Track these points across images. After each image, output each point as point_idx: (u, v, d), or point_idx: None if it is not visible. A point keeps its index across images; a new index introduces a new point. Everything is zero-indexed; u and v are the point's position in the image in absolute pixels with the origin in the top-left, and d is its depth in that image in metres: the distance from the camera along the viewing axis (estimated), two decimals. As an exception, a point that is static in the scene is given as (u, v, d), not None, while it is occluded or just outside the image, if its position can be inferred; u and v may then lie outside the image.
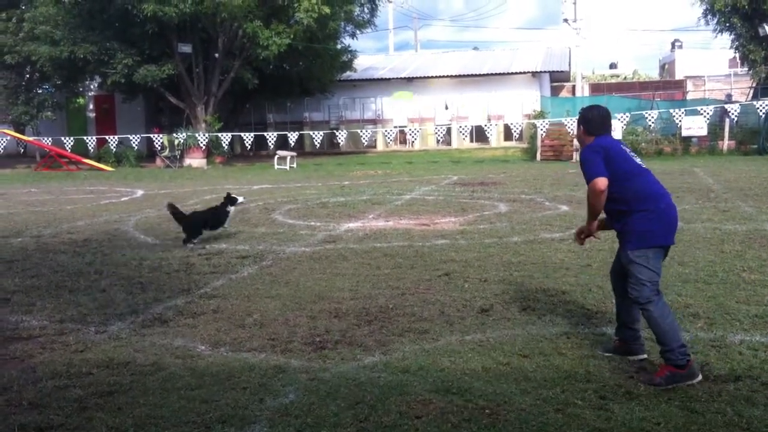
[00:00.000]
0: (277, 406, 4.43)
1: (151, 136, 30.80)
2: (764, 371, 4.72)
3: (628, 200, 4.80)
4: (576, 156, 27.69)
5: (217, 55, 30.78)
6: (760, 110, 26.84)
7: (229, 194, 10.86)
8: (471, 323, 6.07)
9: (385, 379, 4.81)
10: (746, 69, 29.66)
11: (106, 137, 31.46)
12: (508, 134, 33.41)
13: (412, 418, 4.17)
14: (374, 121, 38.51)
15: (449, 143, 36.46)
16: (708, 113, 27.46)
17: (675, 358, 4.56)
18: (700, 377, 4.56)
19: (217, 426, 4.18)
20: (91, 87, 37.27)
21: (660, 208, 4.78)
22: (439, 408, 4.30)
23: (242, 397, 4.60)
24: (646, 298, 4.71)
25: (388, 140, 33.72)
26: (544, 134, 28.72)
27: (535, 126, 29.01)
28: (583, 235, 5.39)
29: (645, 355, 5.08)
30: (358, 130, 32.42)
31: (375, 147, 37.29)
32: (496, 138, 34.77)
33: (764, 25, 26.64)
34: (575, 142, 28.03)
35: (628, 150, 5.03)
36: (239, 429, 4.13)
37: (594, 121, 5.11)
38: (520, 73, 37.20)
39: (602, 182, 4.77)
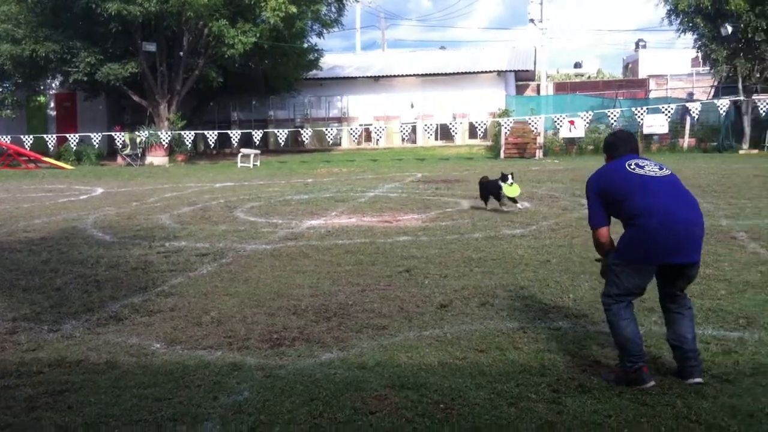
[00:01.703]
0: (230, 403, 4.40)
1: (113, 134, 30.44)
2: (714, 365, 4.79)
3: (627, 215, 4.60)
4: (539, 153, 27.96)
5: (181, 53, 30.53)
6: (721, 109, 27.30)
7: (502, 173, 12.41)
8: (429, 319, 6.08)
9: (342, 375, 4.79)
10: (708, 68, 30.09)
11: (67, 135, 31.03)
12: (472, 132, 33.55)
13: (367, 414, 4.16)
14: (340, 119, 38.45)
15: (414, 141, 36.52)
16: (669, 111, 27.84)
17: (624, 365, 4.56)
18: (651, 383, 4.45)
19: (168, 424, 4.13)
20: (53, 85, 36.71)
21: (649, 225, 4.46)
22: (394, 403, 4.30)
23: (196, 394, 4.55)
24: (606, 304, 4.67)
25: (354, 138, 33.69)
26: (508, 132, 28.89)
27: (499, 124, 29.18)
28: None
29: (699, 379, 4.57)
30: (324, 128, 32.34)
31: (340, 145, 37.21)
32: (461, 136, 34.90)
33: (726, 25, 27.04)
34: (539, 140, 28.30)
35: (637, 164, 4.71)
36: (191, 427, 4.08)
37: (609, 144, 5.04)
38: (486, 72, 37.35)
39: (603, 233, 4.72)
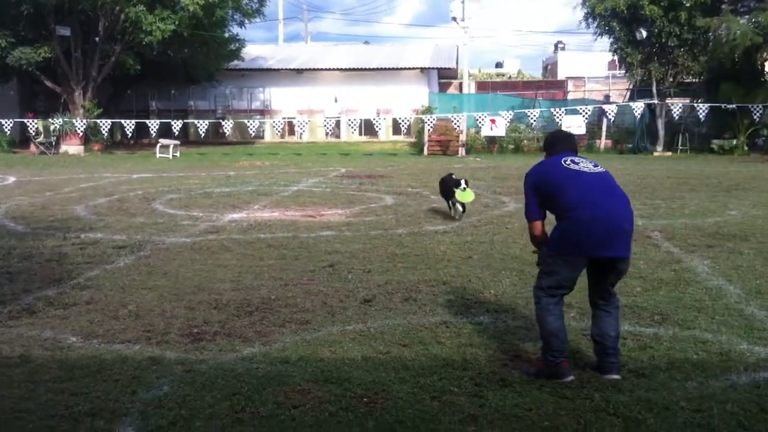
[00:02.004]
0: (150, 398, 4.30)
1: (25, 121, 29.36)
2: (631, 359, 4.92)
3: (559, 208, 4.69)
4: (462, 151, 28.28)
5: (97, 39, 29.67)
6: (636, 111, 28.13)
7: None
8: (353, 314, 6.07)
9: (264, 369, 4.74)
10: (624, 72, 30.94)
11: (-24, 121, 29.81)
12: (396, 128, 33.72)
13: (290, 408, 4.13)
14: (262, 112, 38.08)
15: (338, 136, 36.47)
16: (587, 113, 28.54)
17: (545, 358, 4.65)
18: (570, 377, 4.55)
19: (86, 419, 4.02)
20: (-39, 68, 35.21)
21: (579, 218, 4.54)
22: (317, 397, 4.28)
23: (114, 389, 4.43)
24: (537, 296, 4.77)
25: (277, 131, 33.40)
26: (431, 129, 29.12)
27: (422, 121, 29.38)
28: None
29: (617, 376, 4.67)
30: (246, 120, 31.96)
31: (263, 138, 36.87)
32: (384, 132, 35.01)
33: (641, 29, 27.86)
34: (461, 137, 28.61)
35: (573, 161, 4.80)
36: (109, 422, 3.98)
37: (548, 142, 5.16)
38: (410, 68, 37.57)
39: (537, 226, 4.84)
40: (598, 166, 4.84)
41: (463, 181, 11.00)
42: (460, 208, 11.23)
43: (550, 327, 4.65)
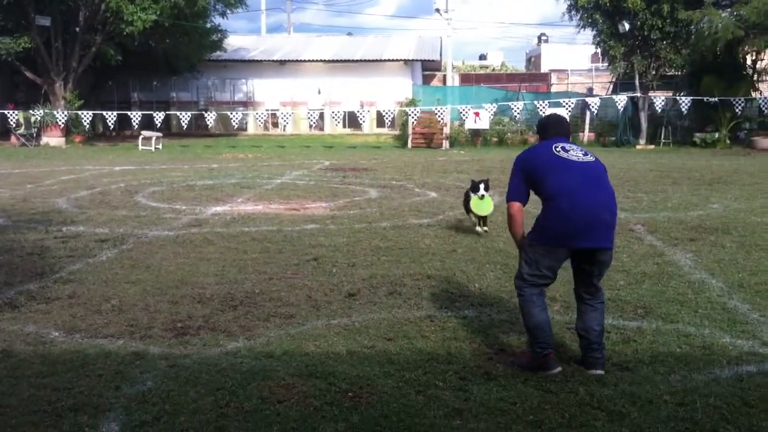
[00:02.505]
0: (133, 393, 4.27)
1: (6, 112, 29.06)
2: (615, 353, 4.95)
3: (543, 196, 4.71)
4: (446, 144, 28.27)
5: (77, 29, 29.38)
6: (619, 104, 28.24)
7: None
8: (337, 308, 6.06)
9: (248, 364, 4.72)
10: (606, 64, 31.05)
11: (-45, 112, 29.49)
12: (380, 121, 33.67)
13: (274, 403, 4.12)
14: (245, 104, 37.91)
15: (322, 128, 36.39)
16: (570, 105, 28.63)
17: (532, 350, 4.68)
18: (557, 370, 4.57)
19: (69, 414, 3.99)
20: (-61, 58, 34.79)
21: (562, 207, 4.56)
22: (301, 392, 4.27)
23: (97, 384, 4.40)
24: (518, 287, 4.80)
25: (260, 123, 33.28)
26: (415, 122, 29.11)
27: (406, 113, 29.36)
28: None
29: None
30: (228, 112, 31.81)
31: (246, 130, 36.72)
32: (368, 124, 34.96)
33: (624, 22, 27.96)
34: (445, 130, 28.61)
35: (563, 148, 4.80)
36: (92, 417, 3.95)
37: (542, 125, 5.15)
38: (393, 60, 37.52)
39: (514, 207, 4.82)
40: (588, 155, 4.86)
41: (481, 186, 9.02)
42: (475, 221, 9.37)
43: (534, 319, 4.67)
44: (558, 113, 5.42)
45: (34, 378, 4.51)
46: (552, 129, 5.06)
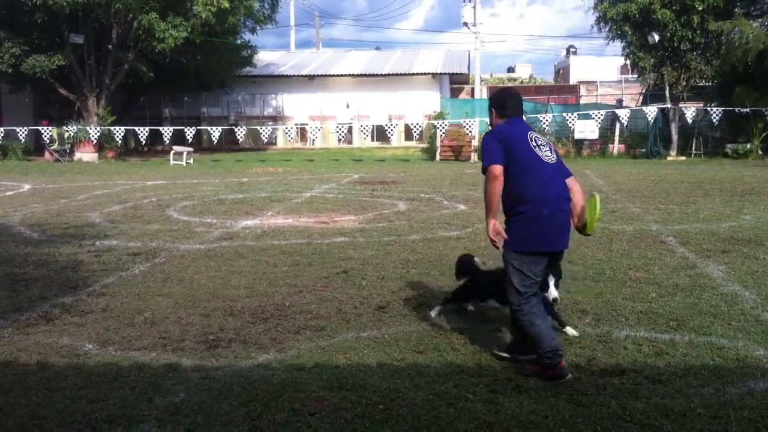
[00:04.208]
0: (166, 405, 4.32)
1: (40, 128, 29.55)
2: (647, 365, 4.91)
3: (513, 196, 4.74)
4: (474, 157, 28.20)
5: (110, 46, 29.83)
6: (649, 116, 28.03)
7: None
8: (367, 320, 6.08)
9: (279, 376, 4.75)
10: (636, 76, 30.83)
11: (-9, 129, 30.00)
12: (408, 134, 33.74)
13: (306, 415, 4.14)
14: (274, 118, 38.18)
15: (350, 142, 36.51)
16: (600, 117, 28.46)
17: (542, 360, 4.68)
18: (569, 376, 4.62)
19: (103, 426, 4.04)
20: (-25, 77, 35.46)
21: (542, 213, 4.67)
22: (333, 404, 4.28)
23: (130, 396, 4.46)
24: (516, 305, 4.81)
25: (289, 137, 33.48)
26: (443, 135, 29.12)
27: (434, 126, 29.38)
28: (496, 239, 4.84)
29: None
30: (258, 127, 32.05)
31: (275, 144, 36.96)
32: (397, 138, 35.02)
33: (653, 34, 27.78)
34: (473, 142, 28.55)
35: (536, 140, 4.89)
36: (126, 428, 4.00)
37: (506, 101, 5.06)
38: (421, 74, 37.61)
39: (496, 169, 4.70)
40: (551, 151, 4.96)
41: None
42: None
43: (539, 329, 4.72)
44: (512, 87, 5.32)
45: (68, 390, 4.57)
46: (510, 107, 5.05)
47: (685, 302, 6.49)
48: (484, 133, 4.97)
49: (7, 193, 16.51)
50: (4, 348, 5.41)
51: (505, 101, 5.08)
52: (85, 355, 5.26)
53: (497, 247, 4.84)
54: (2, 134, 29.36)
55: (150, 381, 4.71)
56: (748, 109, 26.68)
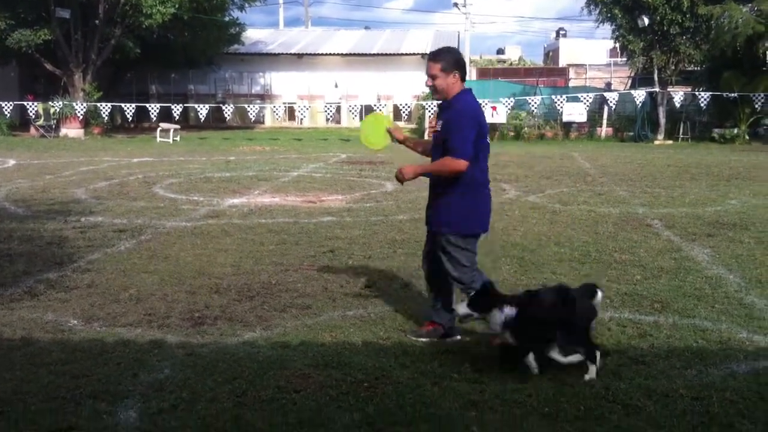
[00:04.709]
0: (151, 381, 4.31)
1: (25, 103, 29.27)
2: (631, 347, 4.94)
3: (469, 178, 4.71)
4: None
5: (97, 21, 29.52)
6: (637, 99, 28.07)
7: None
8: (353, 299, 6.09)
9: (265, 354, 4.76)
10: (625, 59, 30.83)
11: (-24, 103, 29.70)
12: (397, 115, 33.63)
13: (291, 392, 4.15)
14: (262, 96, 37.99)
15: (339, 122, 36.39)
16: (588, 100, 28.48)
17: (440, 323, 5.02)
18: (458, 337, 5.06)
19: (88, 401, 4.03)
20: (-40, 50, 35.04)
21: (485, 194, 4.84)
22: (318, 382, 4.29)
23: (115, 372, 4.45)
24: (470, 279, 4.85)
25: (277, 116, 33.34)
26: (432, 116, 29.03)
27: (423, 107, 29.30)
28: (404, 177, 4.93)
29: (459, 337, 5.12)
30: (246, 105, 31.88)
31: (263, 123, 36.80)
32: (385, 118, 34.86)
33: (643, 17, 27.73)
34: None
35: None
36: (111, 404, 3.99)
37: (460, 62, 4.79)
38: (410, 54, 37.47)
39: (462, 165, 4.66)
40: None
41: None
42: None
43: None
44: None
45: (53, 365, 4.56)
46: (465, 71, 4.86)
47: (669, 285, 6.53)
48: (460, 108, 4.73)
49: (-8, 168, 16.38)
50: (-12, 323, 5.39)
51: (463, 64, 4.85)
52: (69, 331, 5.24)
53: (401, 181, 4.93)
54: (-13, 109, 29.08)
55: (135, 357, 4.70)
56: (735, 94, 26.77)
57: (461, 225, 4.79)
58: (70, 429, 3.70)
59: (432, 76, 4.78)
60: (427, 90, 32.27)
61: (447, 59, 4.77)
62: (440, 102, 4.95)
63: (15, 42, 27.53)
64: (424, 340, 5.04)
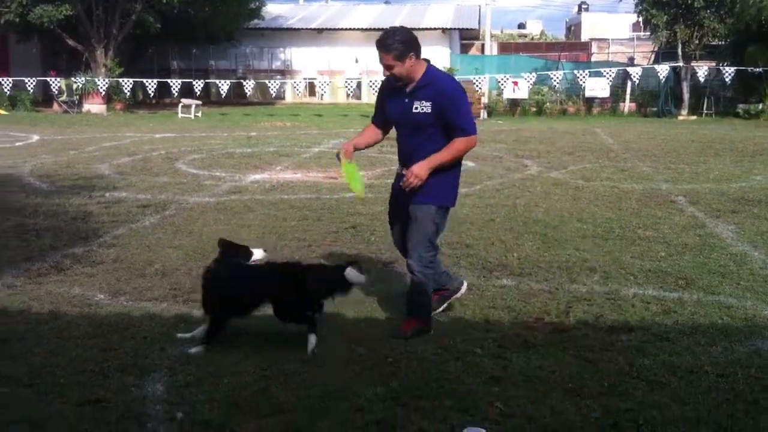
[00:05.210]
0: (177, 354, 4.37)
1: (48, 79, 29.41)
2: (655, 323, 4.93)
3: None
4: (483, 114, 27.99)
5: (118, -4, 29.52)
6: (661, 74, 27.72)
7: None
8: (376, 275, 6.10)
9: (289, 329, 4.78)
10: (648, 33, 30.44)
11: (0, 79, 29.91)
12: (417, 89, 33.47)
13: (315, 366, 4.18)
14: (283, 72, 37.93)
15: (359, 97, 36.27)
16: (611, 75, 28.19)
17: (424, 316, 4.80)
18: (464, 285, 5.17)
19: (115, 374, 4.09)
20: (-17, 26, 35.22)
21: (459, 170, 4.83)
22: (342, 357, 4.33)
23: (142, 346, 4.51)
24: (429, 261, 4.75)
25: (297, 92, 33.30)
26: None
27: (443, 82, 29.12)
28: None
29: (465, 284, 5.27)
30: (266, 81, 31.85)
31: (284, 98, 36.77)
32: (405, 93, 34.71)
33: (666, -10, 27.35)
34: (483, 99, 28.33)
35: None
36: (138, 377, 4.05)
37: (416, 40, 4.56)
38: (431, 29, 37.17)
39: (476, 141, 4.72)
40: None
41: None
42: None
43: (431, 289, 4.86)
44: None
45: (80, 339, 4.62)
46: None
47: (694, 261, 6.50)
48: (446, 85, 4.61)
49: (17, 144, 16.50)
50: (17, 297, 5.47)
51: (414, 38, 4.56)
52: (96, 305, 5.31)
53: (415, 188, 4.57)
54: (11, 85, 29.27)
55: (161, 331, 4.76)
56: (760, 69, 26.36)
57: (449, 198, 4.78)
58: (99, 401, 3.76)
59: (387, 67, 4.52)
60: (448, 65, 32.01)
61: (396, 47, 4.46)
62: (398, 84, 4.65)
63: (37, 18, 27.59)
64: (440, 310, 5.06)
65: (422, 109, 4.56)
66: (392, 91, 4.73)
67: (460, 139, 4.57)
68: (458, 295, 5.19)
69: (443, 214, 4.76)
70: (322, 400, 3.76)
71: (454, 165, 4.71)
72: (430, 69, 4.65)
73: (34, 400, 3.77)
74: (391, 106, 4.76)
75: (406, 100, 4.61)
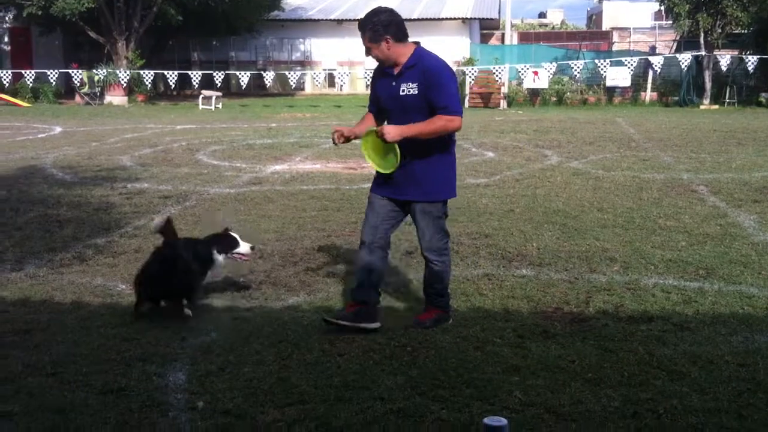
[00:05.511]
0: (198, 344, 4.41)
1: (70, 71, 29.64)
2: (676, 313, 4.91)
3: (453, 137, 4.61)
4: (503, 104, 27.87)
5: (139, -12, 29.67)
6: (683, 63, 27.46)
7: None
8: (395, 265, 6.11)
9: (309, 318, 4.83)
10: (670, 22, 30.13)
11: (22, 72, 30.15)
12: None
13: (335, 356, 4.21)
14: (302, 63, 37.96)
15: (378, 88, 36.21)
16: (632, 65, 27.96)
17: (443, 307, 4.78)
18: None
19: (137, 364, 4.14)
20: (6, 19, 35.49)
21: (455, 159, 4.73)
22: (362, 346, 4.35)
23: (163, 335, 4.55)
24: (446, 245, 4.76)
25: (317, 83, 33.33)
26: (472, 81, 28.79)
27: (464, 73, 29.04)
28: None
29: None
30: (286, 72, 31.89)
31: (303, 89, 36.79)
32: (425, 84, 34.63)
33: (689, -22, 27.07)
34: (503, 89, 28.20)
35: None
36: (160, 366, 4.10)
37: (402, 24, 4.53)
38: (451, 19, 37.05)
39: (460, 123, 4.49)
40: None
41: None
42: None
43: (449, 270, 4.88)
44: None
45: (103, 328, 4.68)
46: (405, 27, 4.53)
47: (715, 251, 6.46)
48: (432, 65, 4.48)
49: (39, 136, 16.67)
50: (40, 287, 5.54)
51: (393, 20, 4.50)
52: (118, 295, 5.37)
53: (386, 140, 4.37)
54: (33, 77, 29.53)
55: (182, 321, 4.80)
56: (784, 58, 26.06)
57: (451, 188, 4.74)
58: (121, 390, 3.80)
59: (366, 49, 4.50)
60: (467, 55, 31.83)
61: (372, 28, 4.43)
62: (386, 68, 4.60)
63: (59, 10, 27.77)
64: (341, 322, 4.61)
65: (409, 91, 4.45)
66: (382, 75, 4.66)
67: (441, 116, 4.38)
68: (367, 326, 4.56)
69: (446, 203, 4.77)
70: (341, 389, 3.78)
71: (449, 156, 4.63)
72: (418, 50, 4.56)
73: (58, 389, 3.82)
74: (381, 91, 4.66)
75: (394, 84, 4.51)
